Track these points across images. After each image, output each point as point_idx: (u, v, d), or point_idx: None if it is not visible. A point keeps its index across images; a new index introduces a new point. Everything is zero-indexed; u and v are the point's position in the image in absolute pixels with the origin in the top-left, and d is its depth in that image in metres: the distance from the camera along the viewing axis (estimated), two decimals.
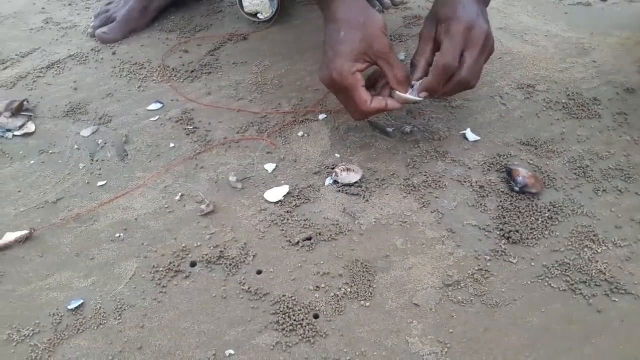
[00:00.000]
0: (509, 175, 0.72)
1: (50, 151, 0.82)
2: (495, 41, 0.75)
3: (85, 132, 0.85)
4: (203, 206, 0.71)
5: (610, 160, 0.77)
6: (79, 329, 0.59)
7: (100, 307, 0.61)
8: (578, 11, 1.15)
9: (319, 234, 0.68)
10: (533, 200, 0.70)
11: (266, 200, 0.72)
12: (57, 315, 0.61)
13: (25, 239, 0.69)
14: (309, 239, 0.67)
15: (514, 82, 0.92)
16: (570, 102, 0.87)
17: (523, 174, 0.71)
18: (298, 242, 0.66)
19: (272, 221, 0.69)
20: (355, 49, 0.69)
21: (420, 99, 0.72)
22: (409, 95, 0.72)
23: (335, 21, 0.71)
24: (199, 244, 0.67)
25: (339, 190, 0.73)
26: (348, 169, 0.75)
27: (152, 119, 0.87)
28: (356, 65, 0.70)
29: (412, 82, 0.73)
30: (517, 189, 0.71)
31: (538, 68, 0.95)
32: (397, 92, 0.72)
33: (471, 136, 0.81)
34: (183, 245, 0.67)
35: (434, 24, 0.72)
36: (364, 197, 0.72)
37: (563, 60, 0.98)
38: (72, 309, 0.61)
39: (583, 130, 0.82)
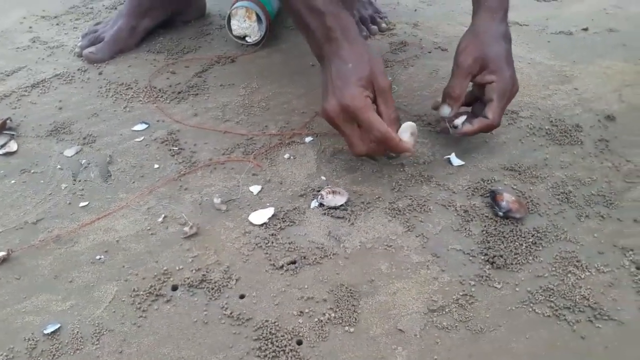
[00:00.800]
0: (493, 200, 0.72)
1: (32, 171, 0.81)
2: None
3: (69, 152, 0.84)
4: (186, 228, 0.70)
5: (592, 186, 0.77)
6: (54, 355, 0.57)
7: (77, 331, 0.60)
8: (561, 40, 1.17)
9: (304, 257, 0.67)
10: (517, 226, 0.70)
11: (251, 223, 0.71)
12: (33, 340, 0.59)
13: (2, 260, 0.67)
14: (294, 262, 0.66)
15: None
16: (553, 128, 0.88)
17: (507, 199, 0.71)
18: (282, 265, 0.66)
19: (256, 244, 0.68)
20: (364, 78, 0.71)
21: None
22: (460, 130, 0.79)
23: (340, 57, 0.72)
24: (181, 267, 0.66)
25: (325, 213, 0.73)
26: (334, 192, 0.75)
27: (137, 139, 0.86)
28: (365, 92, 0.71)
29: (447, 114, 0.79)
30: (501, 214, 0.71)
31: (522, 95, 0.96)
32: (454, 130, 0.79)
33: (456, 161, 0.81)
34: (165, 268, 0.66)
35: (477, 63, 0.77)
36: (349, 220, 0.72)
37: (546, 87, 1.00)
38: (48, 334, 0.59)
39: (566, 156, 0.83)
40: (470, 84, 0.80)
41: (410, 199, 0.75)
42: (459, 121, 0.80)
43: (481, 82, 0.78)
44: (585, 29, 1.21)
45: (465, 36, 0.80)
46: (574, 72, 1.05)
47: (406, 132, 0.75)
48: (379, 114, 0.73)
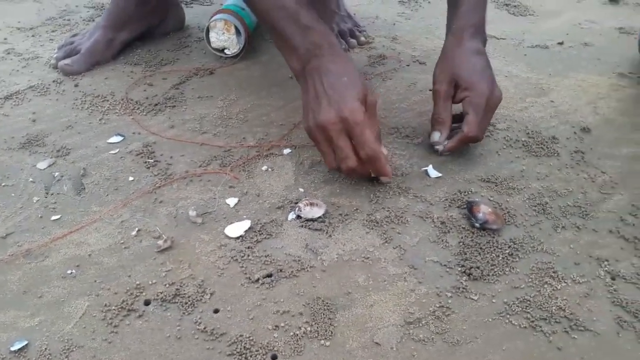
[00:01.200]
0: (470, 211, 0.72)
1: (3, 184, 0.79)
2: None
3: (42, 165, 0.83)
4: (160, 242, 0.69)
5: (568, 197, 0.78)
6: None
7: (46, 348, 0.58)
8: (537, 53, 1.19)
9: (280, 270, 0.66)
10: (494, 237, 0.70)
11: (226, 236, 0.70)
12: None
13: None
14: (270, 275, 0.65)
15: None
16: (530, 140, 0.89)
17: (483, 210, 0.72)
18: (258, 279, 0.65)
19: (231, 257, 0.67)
20: (360, 92, 0.72)
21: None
22: (445, 148, 0.83)
23: (331, 70, 0.72)
24: (154, 281, 0.65)
25: (302, 226, 0.72)
26: (312, 204, 0.75)
27: (112, 152, 0.85)
28: (362, 107, 0.71)
29: (437, 139, 0.83)
30: (477, 225, 0.71)
31: (499, 107, 0.96)
32: (437, 148, 0.83)
33: (433, 173, 0.81)
34: (137, 282, 0.65)
35: (451, 85, 0.81)
36: (327, 232, 0.72)
37: (523, 100, 1.01)
38: (15, 351, 0.57)
39: (542, 168, 0.84)
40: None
41: (388, 210, 0.75)
42: (442, 144, 0.83)
43: (459, 101, 0.81)
44: (561, 43, 1.23)
45: (437, 63, 0.84)
46: (550, 85, 1.06)
47: (385, 149, 0.77)
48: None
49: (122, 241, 0.70)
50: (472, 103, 0.79)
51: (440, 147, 0.83)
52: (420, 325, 0.60)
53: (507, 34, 1.26)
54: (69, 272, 0.66)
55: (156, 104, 0.96)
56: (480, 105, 0.79)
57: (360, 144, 0.71)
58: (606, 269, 0.67)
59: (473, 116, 0.79)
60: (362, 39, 1.18)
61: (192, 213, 0.72)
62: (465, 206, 0.75)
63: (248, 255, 0.68)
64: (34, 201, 0.76)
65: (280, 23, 0.75)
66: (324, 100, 0.71)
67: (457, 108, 0.83)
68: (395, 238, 0.71)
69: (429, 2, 1.42)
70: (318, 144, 0.74)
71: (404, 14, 1.35)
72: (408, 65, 1.10)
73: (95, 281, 0.65)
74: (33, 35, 1.20)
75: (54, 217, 0.74)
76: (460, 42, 0.82)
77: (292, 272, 0.66)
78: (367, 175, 0.78)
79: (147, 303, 0.63)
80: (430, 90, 0.99)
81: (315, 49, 0.74)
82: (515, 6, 1.41)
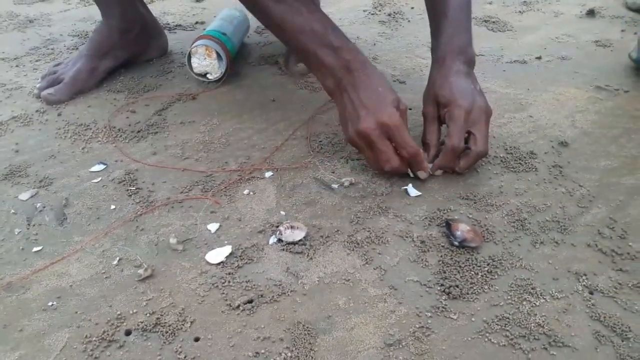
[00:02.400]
0: (449, 229, 0.73)
1: None
2: None
3: (24, 196, 0.83)
4: (141, 271, 0.69)
5: (547, 212, 0.79)
6: None
7: None
8: (515, 69, 1.20)
9: (261, 296, 0.66)
10: (473, 255, 0.71)
11: (207, 262, 0.70)
12: None
13: None
14: (250, 301, 0.65)
15: None
16: (508, 156, 0.90)
17: (462, 228, 0.72)
18: (239, 305, 0.65)
19: (212, 284, 0.67)
20: (395, 100, 0.79)
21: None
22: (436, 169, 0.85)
23: (368, 84, 0.79)
24: (135, 311, 0.65)
25: (283, 249, 0.73)
26: (292, 227, 0.75)
27: (94, 180, 0.85)
28: (398, 111, 0.78)
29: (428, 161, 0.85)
30: (456, 243, 0.71)
31: None
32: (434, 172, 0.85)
33: (413, 192, 0.82)
34: (118, 312, 0.64)
35: (435, 106, 0.85)
36: (308, 255, 0.72)
37: (501, 115, 1.02)
38: None
39: (521, 183, 0.84)
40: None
41: (368, 231, 0.75)
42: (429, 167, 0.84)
43: (443, 119, 0.84)
44: (539, 58, 1.25)
45: (425, 90, 0.89)
46: (528, 99, 1.08)
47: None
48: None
49: (103, 271, 0.70)
50: (451, 116, 0.82)
51: (436, 172, 0.84)
52: (401, 346, 0.60)
53: (485, 50, 1.28)
54: (49, 304, 0.66)
55: (139, 131, 0.97)
56: (459, 117, 0.81)
57: (401, 144, 0.78)
58: (584, 283, 0.68)
59: (453, 127, 0.81)
60: None
61: (172, 240, 0.73)
62: (444, 224, 0.75)
63: (229, 282, 0.68)
64: (16, 233, 0.76)
65: (312, 46, 0.80)
66: (363, 111, 0.78)
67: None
68: (376, 259, 0.71)
69: (409, 21, 1.44)
70: (362, 150, 0.81)
71: (385, 34, 1.36)
72: None
73: (76, 312, 0.65)
74: (17, 65, 1.21)
75: (35, 249, 0.74)
76: (442, 65, 0.86)
77: (273, 297, 0.66)
78: (406, 171, 0.83)
79: (128, 333, 0.63)
80: (411, 109, 1.00)
81: (348, 67, 0.79)
82: (493, 22, 1.44)
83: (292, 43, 0.83)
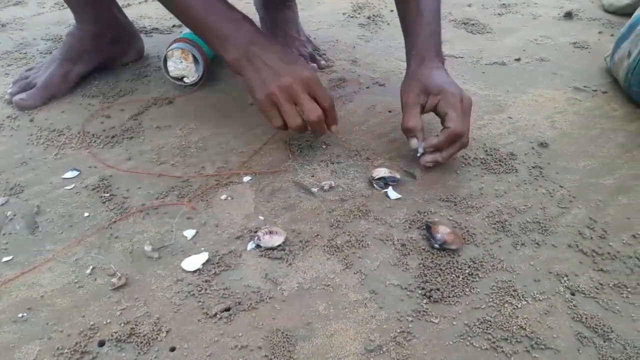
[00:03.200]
0: (429, 232, 0.72)
1: None
2: None
3: None
4: (115, 279, 0.67)
5: (527, 213, 0.79)
6: None
7: None
8: (494, 70, 1.21)
9: (239, 303, 0.65)
10: (454, 257, 0.70)
11: (183, 270, 0.69)
12: None
13: None
14: (228, 309, 0.64)
15: None
16: (488, 157, 0.90)
17: (442, 230, 0.72)
18: (216, 313, 0.63)
19: (188, 292, 0.66)
20: (304, 61, 0.83)
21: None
22: (431, 159, 0.85)
23: (268, 49, 0.81)
24: (108, 321, 0.63)
25: (262, 255, 0.71)
26: (271, 232, 0.74)
27: (67, 187, 0.83)
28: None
29: (415, 145, 0.85)
30: (437, 246, 0.71)
31: None
32: (423, 159, 0.85)
33: (393, 194, 0.81)
34: (91, 323, 0.63)
35: (419, 95, 0.84)
36: (287, 260, 0.71)
37: (481, 117, 1.02)
38: None
39: (501, 184, 0.84)
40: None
41: (348, 235, 0.74)
42: (420, 148, 0.84)
43: (431, 106, 0.84)
44: (518, 59, 1.26)
45: (404, 81, 0.89)
46: (507, 101, 1.08)
47: None
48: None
49: (76, 280, 0.68)
50: (448, 102, 0.82)
51: (420, 149, 0.84)
52: (382, 352, 0.59)
53: (465, 53, 1.28)
54: (20, 315, 0.64)
55: (113, 136, 0.95)
56: (456, 104, 0.82)
57: (320, 97, 0.82)
58: (566, 284, 0.67)
59: (453, 112, 0.81)
60: (323, 62, 1.19)
61: (147, 248, 0.71)
62: (424, 227, 0.74)
63: (205, 289, 0.66)
64: None
65: (212, 18, 0.82)
66: (273, 72, 0.80)
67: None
68: (356, 263, 0.70)
69: (388, 23, 1.44)
70: (278, 105, 0.81)
71: (364, 37, 1.36)
72: (368, 88, 1.11)
73: (47, 324, 0.63)
74: None
75: (5, 259, 0.71)
76: (423, 61, 0.87)
77: (251, 304, 0.65)
78: (323, 128, 0.85)
79: (101, 344, 0.61)
80: (390, 111, 1.00)
81: (252, 37, 0.82)
82: (473, 24, 1.44)
83: (188, 16, 0.85)
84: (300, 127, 0.83)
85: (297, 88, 0.80)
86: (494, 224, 0.76)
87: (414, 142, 0.84)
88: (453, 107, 0.82)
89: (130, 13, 1.36)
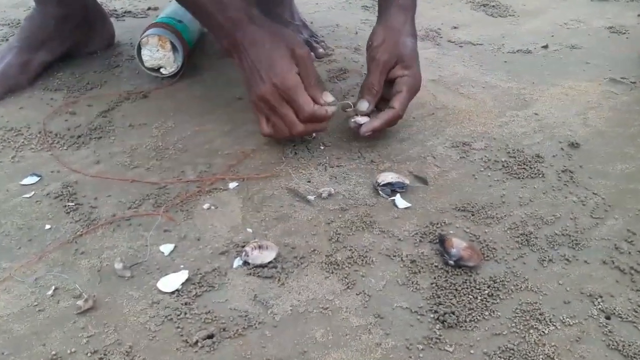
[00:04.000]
0: (443, 246, 0.73)
1: None
2: (428, 95, 0.99)
3: None
4: (81, 302, 0.67)
5: (556, 225, 0.79)
6: None
7: None
8: (518, 59, 1.21)
9: (224, 329, 0.65)
10: (471, 275, 0.71)
11: (160, 291, 0.69)
12: None
13: None
14: (211, 337, 0.64)
15: (448, 140, 0.95)
16: (511, 160, 0.91)
17: (457, 245, 0.72)
18: (197, 341, 0.63)
19: (165, 317, 0.66)
20: (286, 54, 0.84)
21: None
22: (368, 127, 0.90)
23: (254, 43, 0.84)
24: (73, 350, 0.63)
25: (250, 273, 0.72)
26: (260, 247, 0.74)
27: (26, 195, 0.84)
28: (293, 67, 0.84)
29: (365, 109, 0.91)
30: (451, 262, 0.71)
31: (475, 124, 0.99)
32: (360, 128, 0.90)
33: (401, 203, 0.82)
34: (53, 352, 0.63)
35: (393, 59, 0.90)
36: (279, 279, 0.71)
37: (503, 113, 1.03)
38: None
39: (525, 191, 0.85)
40: None
41: (350, 250, 0.75)
42: (362, 120, 0.90)
43: (393, 76, 0.91)
44: (545, 47, 1.26)
45: (378, 31, 0.93)
46: (533, 95, 1.09)
47: (328, 96, 0.88)
48: (302, 80, 0.85)
49: (35, 303, 0.68)
50: (408, 83, 0.90)
51: (361, 120, 0.90)
52: None
53: (484, 39, 1.29)
54: None
55: (79, 136, 0.95)
56: (414, 88, 0.91)
57: (296, 109, 0.84)
58: (600, 306, 0.68)
59: (406, 95, 0.90)
60: (321, 50, 1.20)
61: (118, 265, 0.71)
62: (437, 241, 0.75)
63: (185, 313, 0.66)
64: None
65: (205, 3, 0.85)
66: (256, 74, 0.84)
67: None
68: (359, 282, 0.71)
69: None
70: (269, 113, 0.87)
71: (368, 21, 1.37)
72: None
73: (2, 353, 0.63)
74: None
75: None
76: (405, 18, 0.93)
77: (237, 330, 0.65)
78: (313, 131, 0.91)
79: None
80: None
81: (236, 23, 0.84)
82: (493, 6, 1.45)
83: (193, 8, 0.90)
84: (287, 137, 0.89)
85: (275, 99, 0.84)
86: (518, 237, 0.77)
87: (364, 105, 0.90)
88: (409, 90, 0.90)
89: None
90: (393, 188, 0.83)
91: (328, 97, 0.88)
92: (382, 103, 0.92)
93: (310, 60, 0.86)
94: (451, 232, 0.77)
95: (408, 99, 0.91)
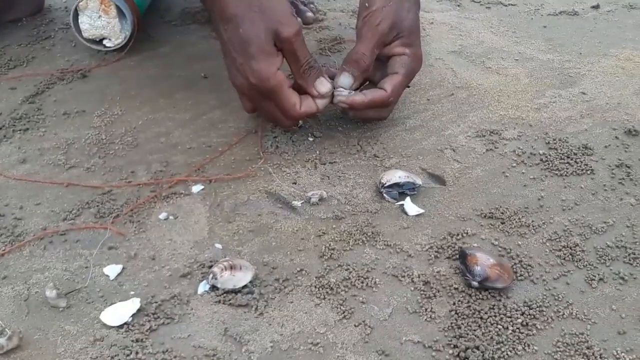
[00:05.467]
0: (464, 264, 0.74)
1: None
2: (446, 71, 0.99)
3: None
4: (3, 340, 0.68)
5: (608, 234, 0.80)
6: None
7: None
8: (561, 24, 1.23)
9: None
10: (500, 300, 0.72)
11: (104, 325, 0.70)
12: None
13: None
14: None
15: (471, 128, 0.96)
16: (551, 152, 0.92)
17: (483, 261, 0.73)
18: None
19: (112, 357, 0.67)
20: (263, 43, 0.83)
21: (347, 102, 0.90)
22: (347, 97, 0.89)
23: (230, 19, 0.84)
24: None
25: (220, 301, 0.72)
26: (232, 267, 0.75)
27: None
28: (273, 61, 0.84)
29: (346, 85, 0.90)
30: (475, 283, 0.72)
31: (506, 107, 1.00)
32: (338, 93, 0.90)
33: (412, 208, 0.83)
34: None
35: (393, 31, 0.91)
36: (256, 308, 0.72)
37: (541, 93, 1.04)
38: None
39: (570, 192, 0.86)
40: None
41: (347, 269, 0.76)
42: (345, 91, 0.90)
43: (389, 53, 0.92)
44: (596, 7, 1.28)
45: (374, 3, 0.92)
46: (580, 69, 1.10)
47: (323, 85, 0.88)
48: (290, 67, 0.87)
49: None
50: (406, 65, 0.91)
51: (342, 98, 0.89)
52: None
53: None
54: None
55: (0, 127, 0.96)
56: (413, 72, 0.93)
57: (282, 111, 0.87)
58: None
59: (402, 79, 0.91)
60: (309, 15, 1.21)
61: (50, 293, 0.72)
62: (457, 256, 0.76)
63: (137, 353, 0.67)
64: None
65: None
66: (232, 60, 0.86)
67: None
68: (358, 310, 0.71)
69: None
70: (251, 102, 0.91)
71: None
72: None
73: None
74: None
75: None
76: None
77: None
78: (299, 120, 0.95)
79: None
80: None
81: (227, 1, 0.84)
82: None
83: None
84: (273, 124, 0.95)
85: (254, 96, 0.88)
86: (560, 250, 0.78)
87: (346, 80, 0.90)
88: (407, 73, 0.92)
89: None
90: (401, 190, 0.84)
91: (322, 87, 0.88)
92: (367, 86, 0.94)
93: (300, 42, 0.86)
94: (475, 245, 0.78)
95: (403, 84, 0.92)
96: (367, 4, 0.92)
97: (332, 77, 0.91)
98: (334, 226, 0.81)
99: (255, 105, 0.90)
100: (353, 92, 0.90)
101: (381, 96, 0.89)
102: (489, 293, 0.72)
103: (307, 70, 0.87)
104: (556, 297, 0.73)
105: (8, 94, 1.03)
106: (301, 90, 0.88)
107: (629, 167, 0.90)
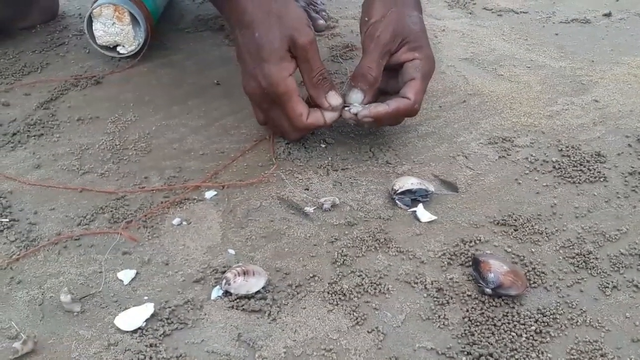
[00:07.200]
0: (477, 271, 0.74)
1: None
2: (458, 78, 0.97)
3: None
4: (18, 344, 0.68)
5: (622, 241, 0.80)
6: None
7: None
8: (573, 31, 1.22)
9: None
10: (513, 307, 0.71)
11: (118, 329, 0.70)
12: None
13: None
14: None
15: (483, 135, 0.96)
16: (564, 159, 0.91)
17: (496, 268, 0.73)
18: None
19: None
20: (276, 49, 0.85)
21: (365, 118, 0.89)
22: (358, 110, 0.89)
23: (246, 25, 0.86)
24: None
25: (233, 307, 0.73)
26: (245, 273, 0.75)
27: None
28: (286, 66, 0.85)
29: (358, 102, 0.90)
30: (489, 290, 0.72)
31: (518, 114, 1.00)
32: (349, 109, 0.89)
33: (424, 215, 0.83)
34: None
35: (398, 39, 0.91)
36: (269, 314, 0.72)
37: (553, 101, 1.03)
38: None
39: (583, 199, 0.86)
40: None
41: (360, 275, 0.76)
42: (358, 106, 0.90)
43: (398, 61, 0.92)
44: (608, 15, 1.27)
45: (374, 1, 0.94)
46: (593, 76, 1.10)
47: (334, 97, 0.88)
48: (302, 75, 0.88)
49: None
50: (421, 68, 0.90)
51: (352, 114, 0.89)
52: None
53: (530, 5, 1.30)
54: None
55: (14, 134, 0.97)
56: (429, 73, 0.92)
57: (289, 119, 0.88)
58: None
59: (421, 83, 0.90)
60: (321, 22, 1.21)
61: (65, 297, 0.72)
62: (470, 263, 0.76)
63: (151, 358, 0.67)
64: None
65: None
66: (246, 65, 0.87)
67: None
68: (371, 317, 0.71)
69: None
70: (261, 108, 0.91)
71: None
72: None
73: None
74: None
75: None
76: None
77: None
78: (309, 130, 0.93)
79: None
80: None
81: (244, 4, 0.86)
82: None
83: None
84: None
85: (264, 102, 0.88)
86: (573, 257, 0.78)
87: (356, 97, 0.90)
88: (424, 76, 0.90)
89: None
90: (414, 197, 0.84)
91: (333, 99, 0.89)
92: (382, 98, 0.93)
93: (314, 50, 0.87)
94: (488, 252, 0.78)
95: (423, 87, 0.91)
96: (366, 18, 0.93)
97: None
98: (346, 232, 0.81)
99: (265, 115, 0.91)
100: (366, 106, 0.89)
101: (406, 105, 0.88)
102: (503, 300, 0.72)
103: (320, 82, 0.88)
104: (570, 305, 0.72)
105: (22, 100, 1.04)
106: (311, 105, 0.88)
107: None
